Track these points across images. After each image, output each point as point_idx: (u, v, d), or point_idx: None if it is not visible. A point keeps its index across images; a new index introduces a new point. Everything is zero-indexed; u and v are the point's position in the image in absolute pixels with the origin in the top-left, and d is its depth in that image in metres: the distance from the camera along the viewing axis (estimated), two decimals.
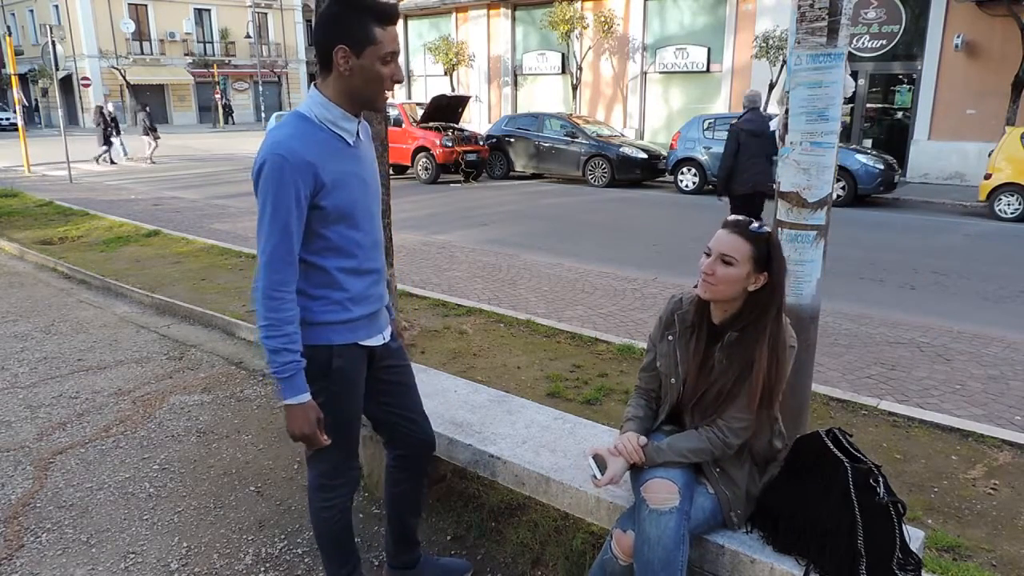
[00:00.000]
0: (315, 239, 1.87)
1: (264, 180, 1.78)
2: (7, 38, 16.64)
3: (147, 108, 21.70)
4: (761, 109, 7.50)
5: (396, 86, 1.97)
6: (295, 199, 1.78)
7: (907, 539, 1.85)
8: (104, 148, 19.26)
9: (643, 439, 2.03)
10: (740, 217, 1.96)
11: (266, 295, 1.81)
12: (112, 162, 19.42)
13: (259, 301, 1.82)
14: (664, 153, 15.04)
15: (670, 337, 2.07)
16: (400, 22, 23.97)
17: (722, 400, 1.95)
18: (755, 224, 1.92)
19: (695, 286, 1.97)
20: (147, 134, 19.96)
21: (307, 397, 1.90)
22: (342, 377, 2.00)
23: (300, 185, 1.78)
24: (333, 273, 1.92)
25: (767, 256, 1.88)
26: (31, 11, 42.34)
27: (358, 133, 1.95)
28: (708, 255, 1.92)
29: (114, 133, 19.55)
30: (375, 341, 2.09)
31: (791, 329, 1.97)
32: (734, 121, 7.63)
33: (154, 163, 19.62)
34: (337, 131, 1.88)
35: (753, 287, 1.90)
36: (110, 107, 19.74)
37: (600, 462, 2.02)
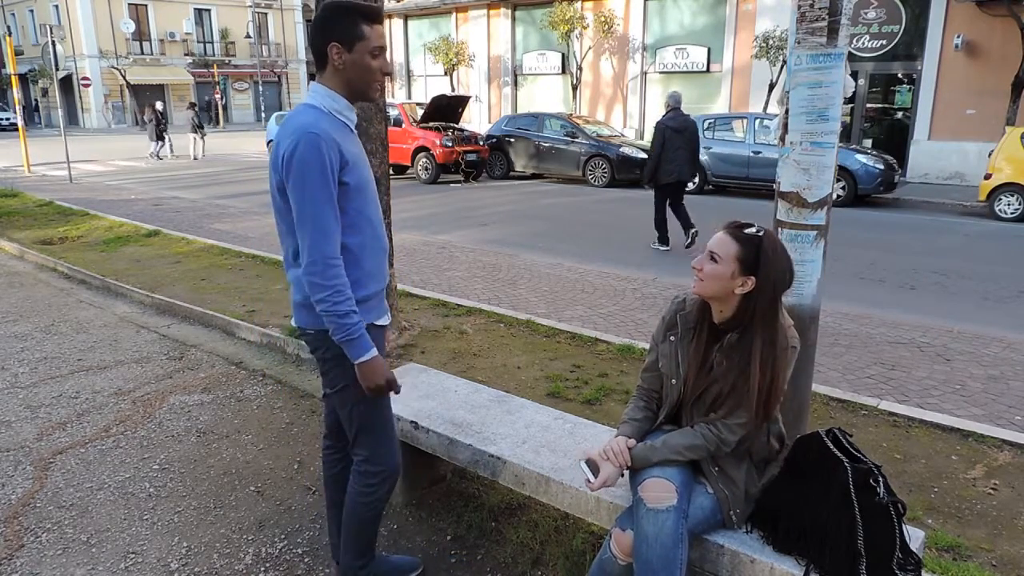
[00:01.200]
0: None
1: (300, 157, 1.89)
2: (7, 38, 16.65)
3: (196, 107, 22.55)
4: (681, 108, 8.40)
5: (391, 81, 2.10)
6: (331, 171, 1.92)
7: (907, 539, 1.85)
8: (159, 144, 20.73)
9: (631, 442, 2.03)
10: (741, 221, 1.95)
11: (326, 264, 1.91)
12: (160, 157, 20.79)
13: (318, 273, 1.91)
14: None
15: (672, 338, 2.07)
16: (400, 22, 23.80)
17: (721, 402, 1.96)
18: (752, 228, 1.90)
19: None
20: (195, 131, 21.06)
21: (376, 351, 2.00)
22: None
23: (333, 159, 1.92)
24: (352, 249, 2.02)
25: (755, 260, 1.86)
26: (31, 11, 42.33)
27: (356, 123, 2.12)
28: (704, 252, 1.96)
29: (166, 131, 21.05)
30: (384, 320, 2.20)
31: (794, 330, 1.96)
32: (658, 119, 8.40)
33: (196, 159, 20.80)
34: (343, 119, 2.05)
35: (741, 290, 1.89)
36: (159, 106, 21.24)
37: (592, 466, 2.03)
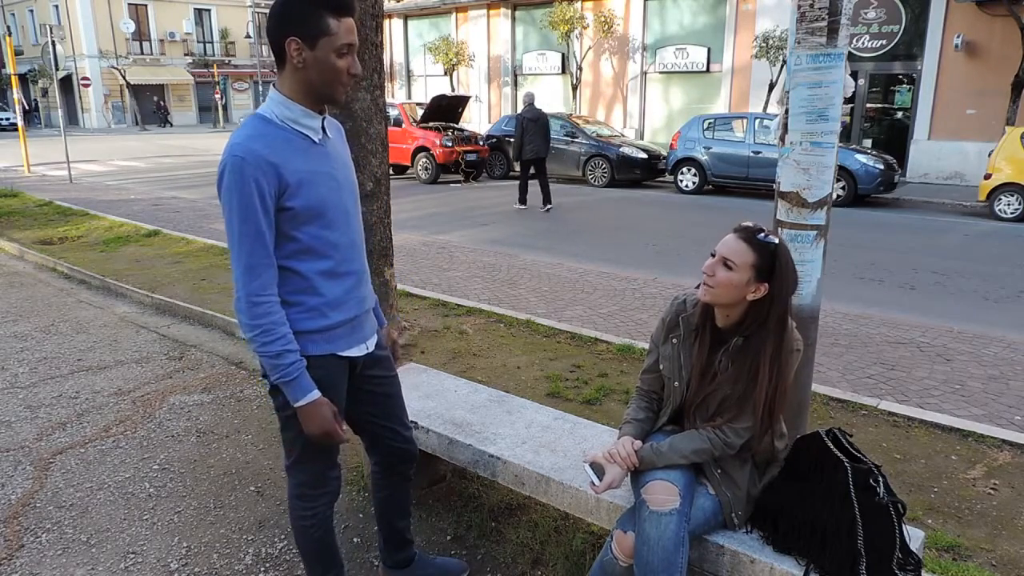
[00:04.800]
0: (287, 242, 1.81)
1: (226, 185, 1.72)
2: (7, 38, 16.64)
3: None
4: (534, 104, 11.83)
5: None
6: (260, 200, 1.72)
7: (907, 539, 1.85)
8: None
9: (638, 443, 2.02)
10: (751, 224, 1.92)
11: (249, 303, 1.76)
12: None
13: (243, 311, 1.77)
14: (664, 153, 15.05)
15: (674, 340, 2.05)
16: (400, 22, 23.67)
17: (726, 406, 1.95)
18: (764, 233, 1.87)
19: (697, 287, 1.97)
20: None
21: (317, 394, 1.83)
22: (320, 389, 1.89)
23: (264, 185, 1.72)
24: (309, 277, 1.85)
25: (770, 267, 1.84)
26: (31, 11, 42.33)
27: (324, 130, 1.88)
28: (713, 256, 1.91)
29: None
30: (356, 351, 2.01)
31: (797, 333, 1.95)
32: (519, 112, 11.94)
33: None
34: (300, 129, 1.82)
35: (753, 296, 1.87)
36: None
37: (597, 469, 2.01)
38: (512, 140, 11.82)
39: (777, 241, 1.87)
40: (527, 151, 11.58)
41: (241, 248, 1.75)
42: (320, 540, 2.15)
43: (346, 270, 1.93)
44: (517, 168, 12.09)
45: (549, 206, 11.53)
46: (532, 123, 11.49)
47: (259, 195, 1.72)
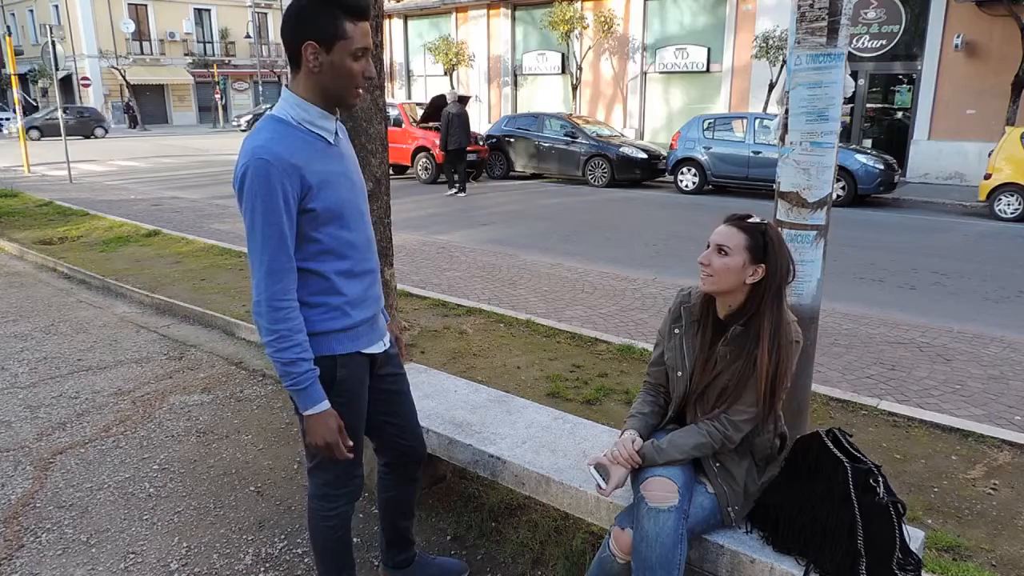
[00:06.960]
0: (308, 243, 1.82)
1: (249, 187, 1.72)
2: (7, 38, 16.62)
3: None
4: (457, 100, 13.56)
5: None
6: (284, 202, 1.73)
7: (907, 539, 1.85)
8: None
9: (638, 441, 2.02)
10: (740, 212, 1.98)
11: (270, 307, 1.75)
12: None
13: (263, 315, 1.76)
14: (664, 153, 15.05)
15: (677, 330, 2.07)
16: (400, 22, 23.64)
17: (726, 395, 1.95)
18: (752, 218, 1.94)
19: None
20: None
21: (327, 404, 1.84)
22: (347, 388, 1.94)
23: (288, 188, 1.72)
24: (330, 277, 1.86)
25: (763, 247, 1.89)
26: (31, 11, 42.33)
27: (336, 131, 1.90)
28: (708, 248, 1.96)
29: None
30: (376, 348, 2.05)
31: (796, 326, 1.96)
32: (448, 107, 13.52)
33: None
34: (317, 131, 1.83)
35: (752, 279, 1.90)
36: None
37: (602, 471, 2.01)
38: (444, 134, 13.42)
39: (764, 221, 1.93)
40: (451, 141, 13.17)
41: (264, 251, 1.74)
42: (340, 540, 2.17)
43: (363, 269, 1.95)
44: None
45: (462, 193, 13.31)
46: (457, 118, 13.18)
47: (283, 198, 1.72)
